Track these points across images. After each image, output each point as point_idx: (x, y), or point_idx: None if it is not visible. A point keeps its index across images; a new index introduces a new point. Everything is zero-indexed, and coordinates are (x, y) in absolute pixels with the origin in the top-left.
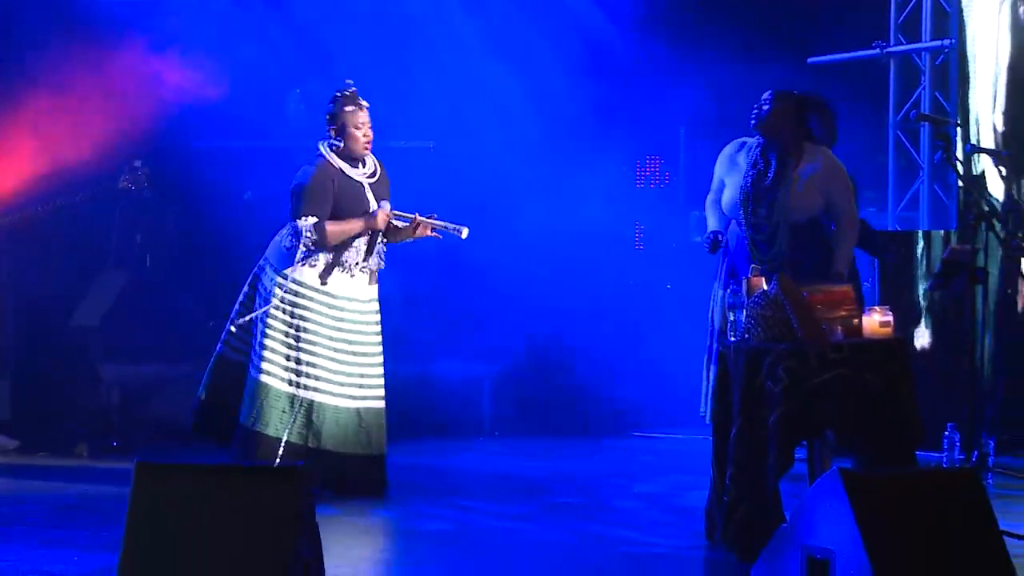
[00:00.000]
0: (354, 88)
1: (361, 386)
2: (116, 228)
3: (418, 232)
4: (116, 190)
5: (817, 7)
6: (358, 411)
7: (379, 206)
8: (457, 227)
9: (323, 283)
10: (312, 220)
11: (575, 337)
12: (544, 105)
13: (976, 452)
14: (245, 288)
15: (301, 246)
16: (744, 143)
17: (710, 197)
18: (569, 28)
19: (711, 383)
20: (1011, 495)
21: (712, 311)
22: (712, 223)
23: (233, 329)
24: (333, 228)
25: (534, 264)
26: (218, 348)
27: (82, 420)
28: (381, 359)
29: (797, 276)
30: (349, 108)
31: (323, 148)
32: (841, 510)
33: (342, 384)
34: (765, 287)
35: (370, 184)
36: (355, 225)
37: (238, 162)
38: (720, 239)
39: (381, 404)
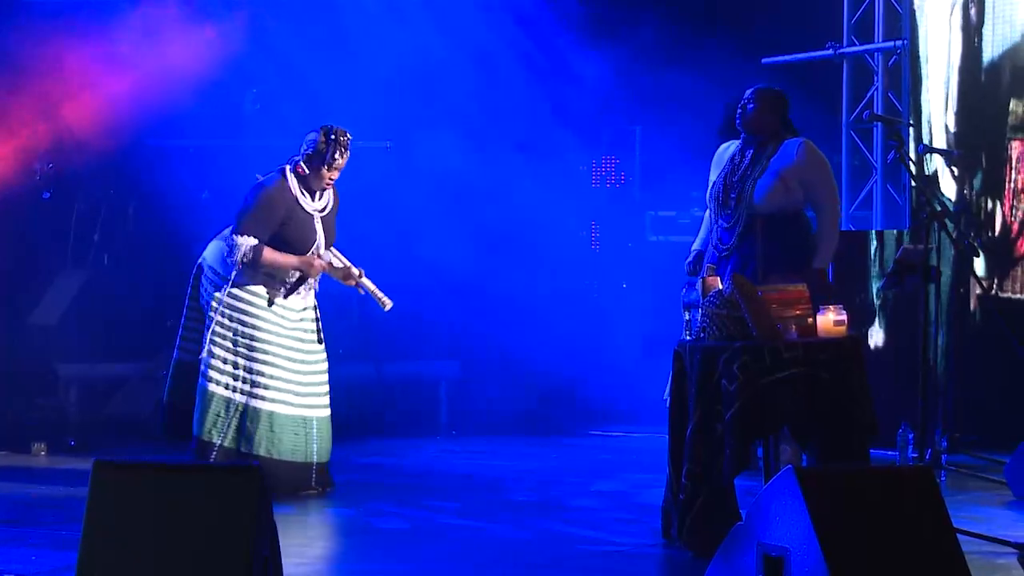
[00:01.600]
0: (349, 137)
1: (298, 393)
2: (74, 227)
3: (346, 279)
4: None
5: (771, 8)
6: (293, 418)
7: (321, 255)
8: (383, 299)
9: (269, 304)
10: (252, 242)
11: (532, 336)
12: (500, 105)
13: (929, 450)
14: (188, 290)
15: (238, 261)
16: (732, 142)
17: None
18: (525, 29)
19: None
20: (964, 493)
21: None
22: (699, 238)
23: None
24: (269, 257)
25: (490, 263)
26: (175, 354)
27: (40, 419)
28: (324, 367)
29: (770, 269)
30: (336, 152)
31: (287, 171)
32: (796, 508)
33: (279, 390)
34: (720, 286)
35: (321, 217)
36: (291, 263)
37: (196, 161)
38: (701, 258)
39: (323, 412)
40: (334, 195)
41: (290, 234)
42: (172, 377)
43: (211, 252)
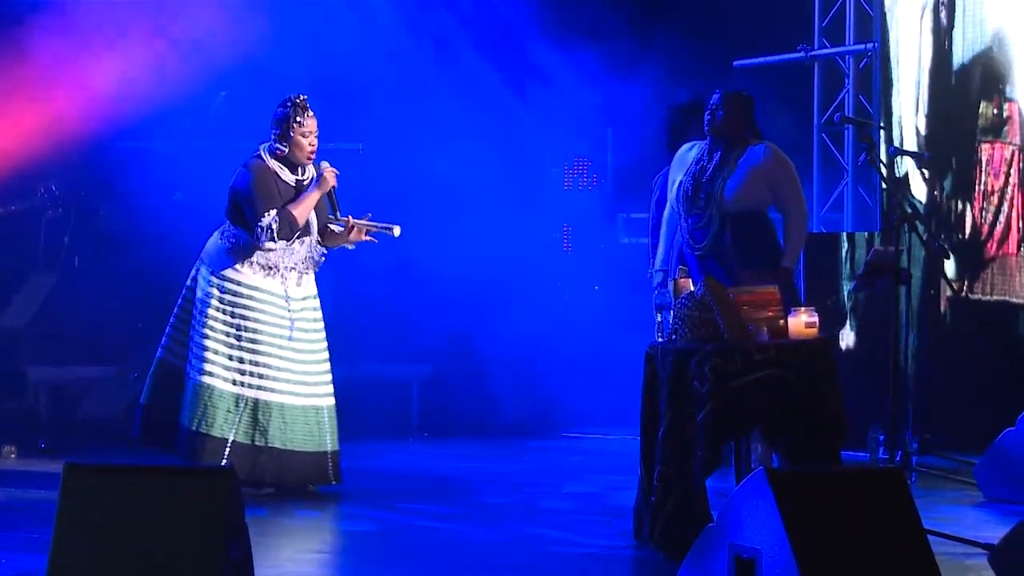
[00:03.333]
0: (305, 96)
1: (306, 383)
2: (44, 230)
3: (352, 236)
4: (29, 210)
5: (742, 11)
6: (303, 408)
7: (318, 169)
8: (389, 226)
9: (257, 274)
10: (273, 212)
11: (504, 338)
12: (472, 107)
13: (900, 452)
14: (183, 291)
15: (271, 242)
16: (695, 144)
17: (665, 212)
18: (497, 31)
19: None
20: (935, 494)
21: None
22: (662, 248)
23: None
24: (296, 208)
25: (462, 265)
26: (159, 353)
27: (10, 422)
28: (326, 355)
29: (743, 267)
30: (299, 116)
31: (263, 151)
32: (767, 509)
33: (288, 381)
34: (692, 288)
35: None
36: (312, 196)
37: (166, 163)
38: (664, 280)
39: (329, 401)
40: (331, 176)
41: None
42: (153, 378)
43: (207, 251)
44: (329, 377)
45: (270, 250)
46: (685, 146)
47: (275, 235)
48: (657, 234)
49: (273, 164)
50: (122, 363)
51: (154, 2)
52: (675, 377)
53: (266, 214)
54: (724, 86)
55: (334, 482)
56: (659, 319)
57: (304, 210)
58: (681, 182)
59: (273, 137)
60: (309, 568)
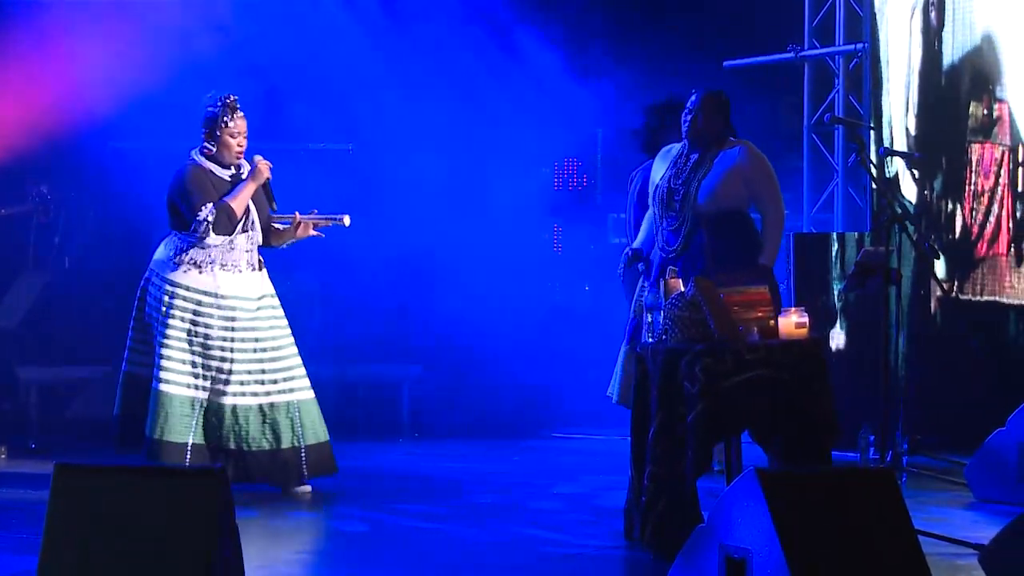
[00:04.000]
0: (235, 97)
1: (262, 382)
2: (35, 230)
3: (299, 232)
4: (23, 214)
5: (733, 11)
6: (260, 407)
7: (252, 163)
8: (337, 217)
9: (204, 275)
10: (210, 205)
11: (494, 339)
12: (463, 107)
13: (891, 452)
14: (136, 302)
15: (210, 236)
16: (674, 146)
17: (649, 212)
18: (487, 30)
19: (621, 367)
20: (925, 495)
21: (636, 299)
22: (640, 237)
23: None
24: (232, 201)
25: (453, 266)
26: (123, 367)
27: (0, 422)
28: (292, 351)
29: (718, 268)
30: (227, 116)
31: (194, 153)
32: (758, 510)
33: (241, 383)
34: (682, 289)
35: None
36: (247, 187)
37: (157, 163)
38: (640, 255)
39: (289, 397)
40: (265, 168)
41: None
42: (121, 389)
43: (156, 260)
44: (298, 372)
45: (213, 246)
46: (667, 147)
47: (213, 228)
48: (635, 234)
49: (205, 163)
50: (112, 363)
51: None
52: (665, 377)
53: (203, 208)
54: (714, 85)
55: (297, 478)
56: (649, 319)
57: (240, 202)
58: (659, 184)
59: (202, 137)
60: (299, 569)
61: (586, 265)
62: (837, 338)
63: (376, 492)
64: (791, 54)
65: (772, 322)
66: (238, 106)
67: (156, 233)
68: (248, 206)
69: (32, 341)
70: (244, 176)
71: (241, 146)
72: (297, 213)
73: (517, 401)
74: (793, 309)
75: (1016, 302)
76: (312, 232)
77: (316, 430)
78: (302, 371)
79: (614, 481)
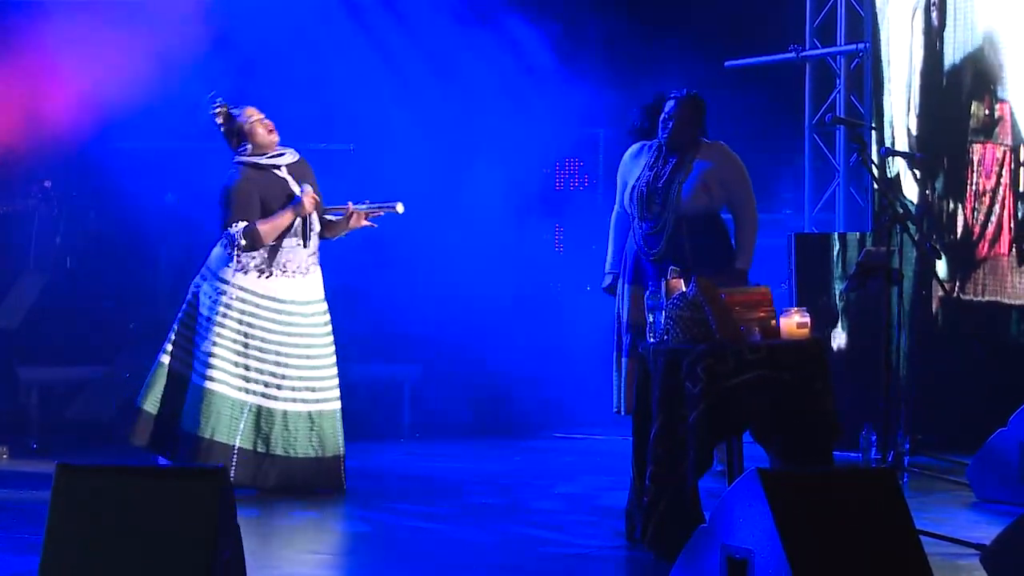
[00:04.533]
0: (220, 98)
1: (313, 389)
2: (36, 229)
3: (352, 223)
4: (27, 209)
5: (734, 11)
6: (309, 414)
7: (301, 189)
8: (390, 204)
9: (262, 279)
10: (242, 225)
11: (495, 339)
12: (464, 107)
13: (892, 452)
14: (188, 297)
15: (236, 252)
16: (644, 145)
17: (615, 211)
18: (488, 30)
19: (623, 378)
20: (927, 495)
21: (618, 308)
22: (610, 253)
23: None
24: (264, 227)
25: (454, 266)
26: (159, 357)
27: (1, 422)
28: (333, 360)
29: (699, 271)
30: (234, 112)
31: (236, 161)
32: (760, 510)
33: (293, 389)
34: (684, 289)
35: (289, 168)
36: (284, 217)
37: (158, 163)
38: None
39: (335, 406)
40: (298, 154)
41: (269, 198)
42: (154, 384)
43: (212, 259)
44: (336, 382)
45: (270, 247)
46: (633, 147)
47: (238, 246)
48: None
49: (249, 170)
50: (113, 363)
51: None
52: (667, 377)
53: (234, 224)
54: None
55: (337, 488)
56: (650, 320)
57: (272, 230)
58: (634, 187)
59: (232, 145)
60: (301, 568)
61: (587, 265)
62: (839, 338)
63: (377, 492)
64: (792, 54)
65: (774, 322)
66: (226, 102)
67: (158, 233)
68: (290, 184)
69: (33, 341)
70: (293, 161)
71: (267, 125)
72: (350, 203)
73: (518, 401)
74: (795, 309)
75: (1018, 302)
76: (364, 223)
77: (342, 441)
78: (337, 380)
79: (615, 481)
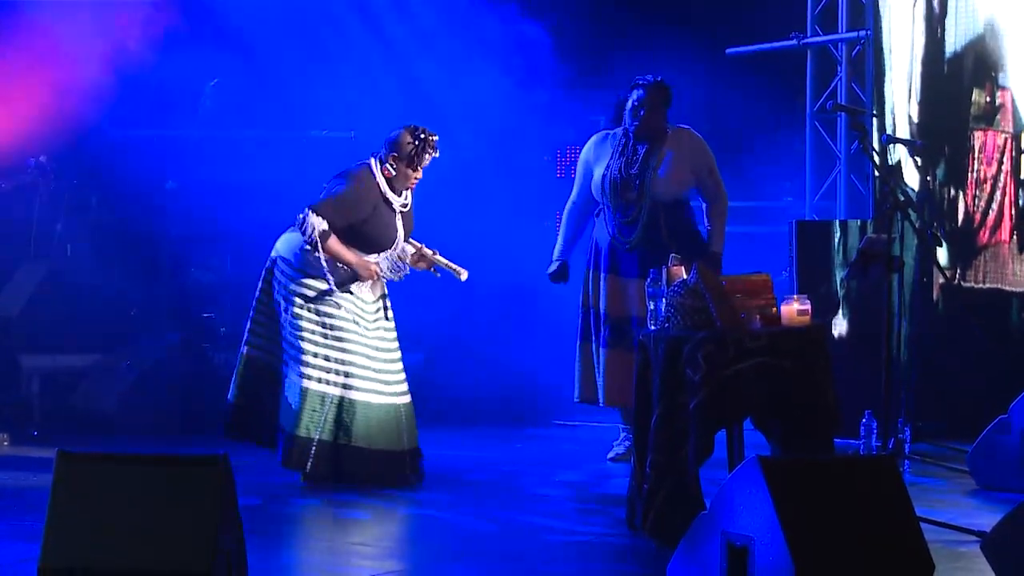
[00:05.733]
0: (437, 137)
1: (386, 382)
2: (36, 217)
3: (419, 264)
4: (22, 186)
5: None
6: (384, 407)
7: (399, 246)
8: (457, 269)
9: (340, 290)
10: (323, 225)
11: (496, 326)
12: (464, 95)
13: (893, 439)
14: (260, 283)
15: (306, 238)
16: (608, 133)
17: (571, 201)
18: (487, 18)
19: (587, 366)
20: (927, 482)
21: (587, 297)
22: (560, 241)
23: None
24: (333, 246)
25: (454, 254)
26: (243, 349)
27: (2, 410)
28: (399, 354)
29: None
30: (424, 154)
31: (374, 163)
32: (760, 497)
33: (370, 380)
34: (685, 276)
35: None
36: (349, 259)
37: (159, 151)
38: (566, 270)
39: (408, 399)
40: (410, 218)
41: (372, 230)
42: (240, 375)
43: (284, 244)
44: (404, 376)
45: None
46: (595, 137)
47: (310, 237)
48: None
49: (382, 182)
50: (115, 351)
51: None
52: (667, 365)
53: (321, 219)
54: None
55: (413, 481)
56: (651, 307)
57: (336, 256)
58: (605, 175)
59: (384, 156)
60: (302, 555)
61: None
62: (839, 325)
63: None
64: (794, 41)
65: (774, 310)
66: (437, 147)
67: (159, 220)
68: (398, 230)
69: (34, 329)
70: (407, 206)
71: (417, 179)
72: (423, 246)
73: (518, 389)
74: (795, 297)
75: (1018, 289)
76: (428, 268)
77: (415, 434)
78: (404, 373)
79: (615, 469)
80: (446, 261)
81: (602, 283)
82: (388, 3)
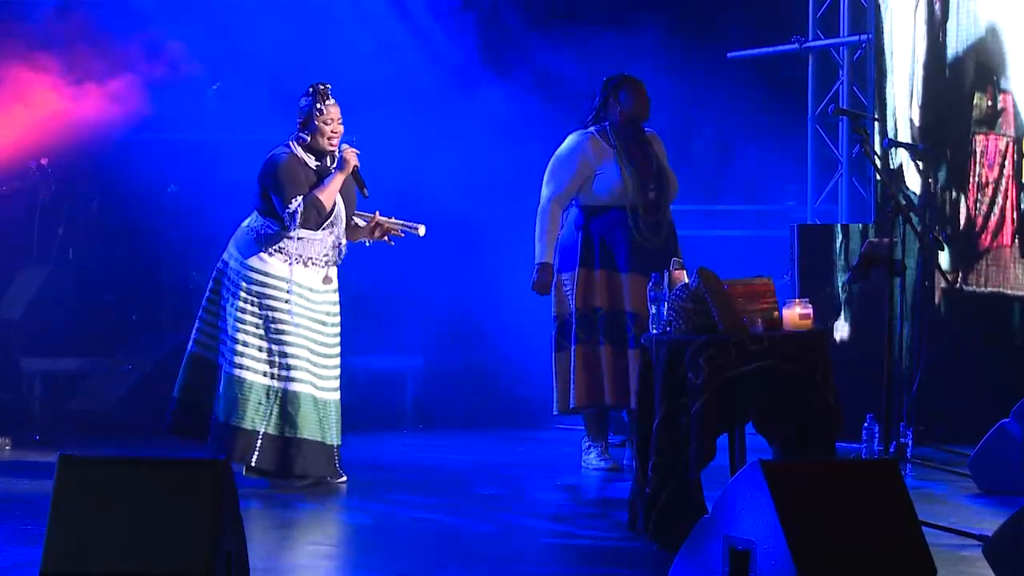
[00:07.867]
0: (328, 85)
1: (322, 376)
2: (38, 221)
3: (376, 234)
4: (24, 189)
5: (736, 2)
6: (323, 401)
7: (339, 150)
8: (414, 225)
9: (284, 264)
10: (300, 199)
11: (497, 329)
12: (463, 96)
13: (895, 443)
14: (210, 283)
15: (296, 230)
16: (589, 132)
17: (552, 201)
18: (490, 24)
19: (568, 371)
20: (929, 486)
21: (561, 301)
22: (545, 243)
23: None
24: (321, 194)
25: (454, 256)
26: (189, 347)
27: (3, 413)
28: (339, 350)
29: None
30: (320, 103)
31: (291, 143)
32: (762, 501)
33: (310, 373)
34: (686, 280)
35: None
36: (336, 179)
37: (161, 155)
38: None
39: (337, 396)
40: (352, 157)
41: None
42: (185, 371)
43: (233, 244)
44: (338, 372)
45: (299, 239)
46: (572, 138)
47: (302, 222)
48: None
49: (299, 152)
50: (116, 355)
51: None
52: (669, 368)
53: (293, 200)
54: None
55: (343, 476)
56: (653, 310)
57: (329, 194)
58: (623, 174)
59: (297, 126)
60: (303, 559)
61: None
62: (841, 329)
63: (380, 483)
64: (795, 45)
65: (776, 313)
66: (329, 93)
67: (160, 224)
68: (336, 200)
69: (36, 332)
70: (332, 166)
71: (335, 133)
72: (377, 213)
73: (520, 392)
74: (797, 300)
75: (1020, 293)
76: (383, 238)
77: (338, 431)
78: (339, 370)
79: (617, 473)
80: (402, 222)
81: (596, 279)
82: (388, 6)
